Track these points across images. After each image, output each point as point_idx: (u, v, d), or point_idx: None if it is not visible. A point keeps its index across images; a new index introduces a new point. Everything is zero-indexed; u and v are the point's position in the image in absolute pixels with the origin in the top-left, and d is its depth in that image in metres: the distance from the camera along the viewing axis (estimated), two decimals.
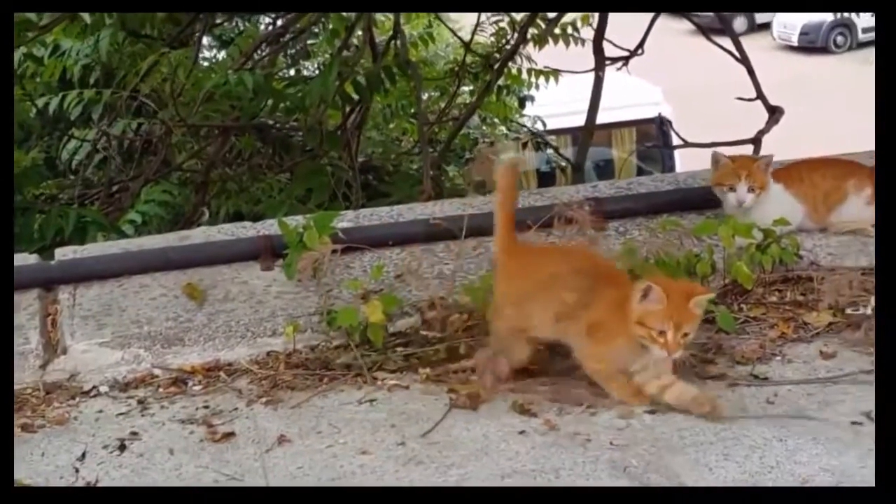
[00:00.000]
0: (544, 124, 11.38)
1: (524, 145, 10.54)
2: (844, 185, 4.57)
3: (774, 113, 6.69)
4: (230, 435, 3.67)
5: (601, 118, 7.88)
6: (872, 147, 5.22)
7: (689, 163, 13.12)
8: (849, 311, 4.23)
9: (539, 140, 10.70)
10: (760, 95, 6.89)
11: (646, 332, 3.51)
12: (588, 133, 7.96)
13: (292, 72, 9.95)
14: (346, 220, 4.61)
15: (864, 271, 4.39)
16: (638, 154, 16.54)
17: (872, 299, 4.24)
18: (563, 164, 10.58)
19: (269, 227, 4.61)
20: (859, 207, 4.57)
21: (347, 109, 7.98)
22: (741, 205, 4.50)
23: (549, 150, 11.11)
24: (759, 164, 4.54)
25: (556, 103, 11.15)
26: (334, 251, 4.21)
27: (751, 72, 6.99)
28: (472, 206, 4.60)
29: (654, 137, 15.69)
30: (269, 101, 7.45)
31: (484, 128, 10.76)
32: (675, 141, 9.76)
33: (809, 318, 4.22)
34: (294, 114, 7.73)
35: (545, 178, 12.82)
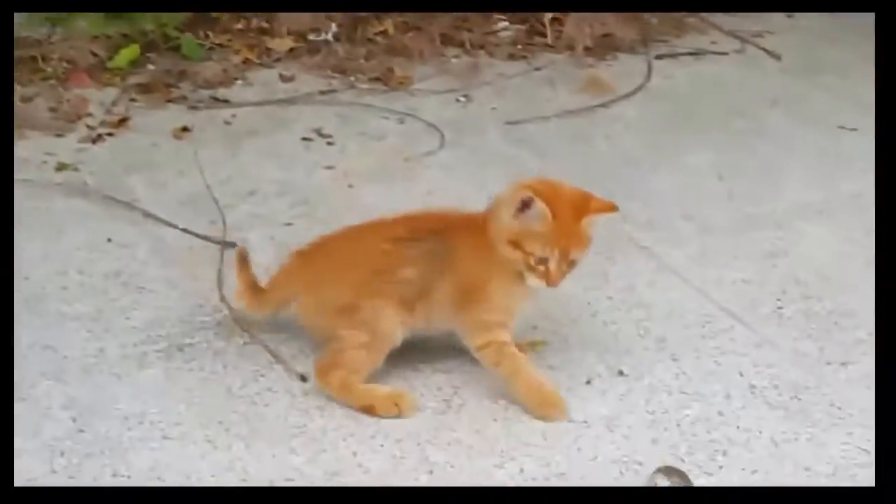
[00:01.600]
0: None
1: None
2: None
3: None
4: None
5: None
6: None
7: None
8: (310, 37, 4.39)
9: None
10: None
11: (521, 257, 2.56)
12: None
13: None
14: None
15: None
16: None
17: (333, 25, 4.42)
18: None
19: None
20: None
21: None
22: None
23: None
24: None
25: None
26: None
27: None
28: None
29: None
30: None
31: None
32: None
33: (273, 44, 4.35)
34: None
35: None
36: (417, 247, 2.65)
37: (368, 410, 2.55)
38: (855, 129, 3.82)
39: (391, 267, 2.64)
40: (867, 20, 3.98)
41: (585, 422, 2.54)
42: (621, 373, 2.71)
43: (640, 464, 2.42)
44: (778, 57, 4.39)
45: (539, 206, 2.50)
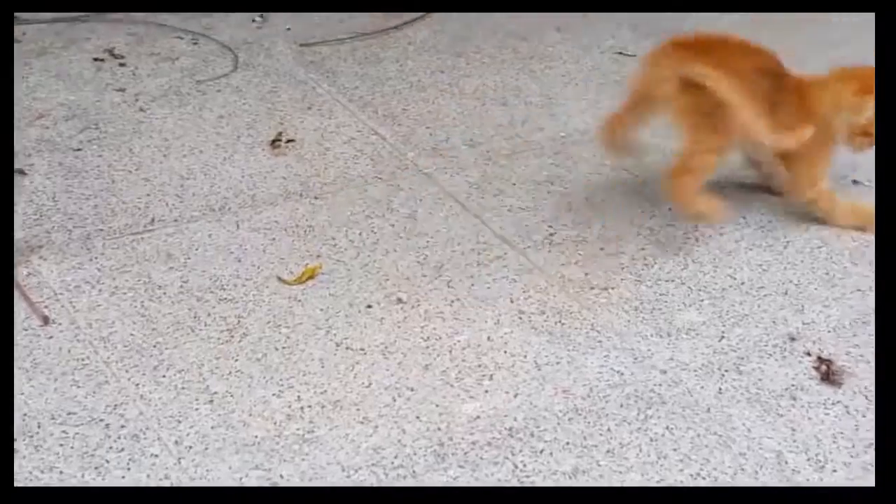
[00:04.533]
0: None
1: None
2: None
3: None
4: None
5: None
6: None
7: None
8: None
9: None
10: None
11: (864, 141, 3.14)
12: None
13: None
14: None
15: None
16: None
17: None
18: None
19: None
20: None
21: None
22: None
23: None
24: None
25: None
26: None
27: None
28: None
29: None
30: None
31: None
32: None
33: None
34: None
35: None
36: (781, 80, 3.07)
37: (699, 217, 3.07)
38: (634, 55, 3.98)
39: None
40: None
41: (363, 349, 2.67)
42: (399, 300, 2.84)
43: (412, 389, 2.56)
44: None
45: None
